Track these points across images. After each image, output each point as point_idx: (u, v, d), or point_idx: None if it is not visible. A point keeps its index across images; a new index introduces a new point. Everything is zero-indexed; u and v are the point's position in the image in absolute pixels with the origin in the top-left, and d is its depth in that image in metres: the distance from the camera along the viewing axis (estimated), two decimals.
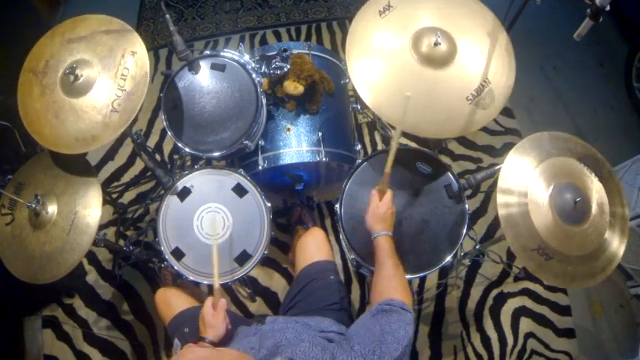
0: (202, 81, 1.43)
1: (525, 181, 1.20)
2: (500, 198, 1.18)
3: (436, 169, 1.37)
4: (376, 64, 1.25)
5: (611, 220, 1.21)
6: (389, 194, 1.15)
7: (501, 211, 1.17)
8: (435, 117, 1.23)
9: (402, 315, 0.90)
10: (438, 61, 1.24)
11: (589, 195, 1.21)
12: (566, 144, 1.26)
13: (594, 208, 1.21)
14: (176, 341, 1.22)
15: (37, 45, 1.28)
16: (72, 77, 1.19)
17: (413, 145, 2.06)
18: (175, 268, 1.32)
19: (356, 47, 1.27)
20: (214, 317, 1.06)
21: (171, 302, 1.32)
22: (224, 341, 1.07)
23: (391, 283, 1.00)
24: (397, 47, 1.26)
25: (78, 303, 1.94)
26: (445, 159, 2.17)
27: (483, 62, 1.26)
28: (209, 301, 1.08)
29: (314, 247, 1.38)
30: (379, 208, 1.12)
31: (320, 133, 1.53)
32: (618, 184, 1.26)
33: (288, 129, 1.54)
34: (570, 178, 1.22)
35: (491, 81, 1.24)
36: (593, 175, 1.23)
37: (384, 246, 1.08)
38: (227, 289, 1.93)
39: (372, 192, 1.16)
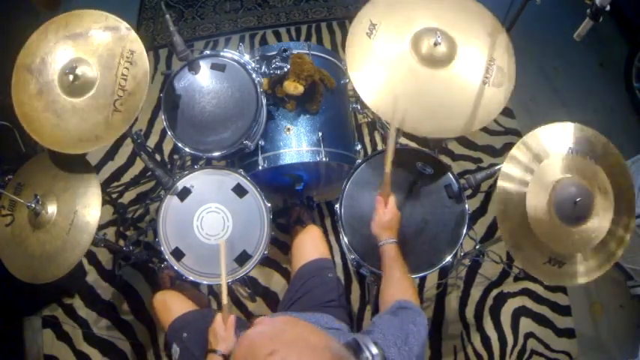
0: (202, 81, 1.43)
1: (530, 170, 1.18)
2: (502, 182, 1.18)
3: (436, 169, 1.37)
4: (379, 75, 1.24)
5: (607, 237, 1.17)
6: (392, 199, 1.15)
7: (500, 186, 1.18)
8: (459, 112, 1.22)
9: (419, 315, 0.92)
10: (442, 60, 1.23)
11: (593, 198, 1.17)
12: (586, 139, 1.22)
13: (595, 214, 1.16)
14: (174, 346, 1.22)
15: (30, 40, 1.25)
16: (71, 77, 1.19)
17: (413, 145, 2.06)
18: (175, 268, 1.32)
19: (356, 67, 1.25)
20: (226, 331, 1.09)
21: (169, 306, 1.32)
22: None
23: (402, 284, 1.03)
24: (398, 58, 1.24)
25: (78, 303, 1.94)
26: (445, 159, 2.17)
27: (483, 47, 1.26)
28: (219, 316, 1.11)
29: (311, 245, 1.40)
30: (385, 216, 1.13)
31: (320, 133, 1.52)
32: (632, 193, 1.20)
33: (288, 129, 1.54)
34: (579, 176, 1.18)
35: (495, 57, 1.25)
36: (605, 174, 1.19)
37: (391, 252, 1.10)
38: (227, 289, 1.92)
39: (377, 198, 1.16)
